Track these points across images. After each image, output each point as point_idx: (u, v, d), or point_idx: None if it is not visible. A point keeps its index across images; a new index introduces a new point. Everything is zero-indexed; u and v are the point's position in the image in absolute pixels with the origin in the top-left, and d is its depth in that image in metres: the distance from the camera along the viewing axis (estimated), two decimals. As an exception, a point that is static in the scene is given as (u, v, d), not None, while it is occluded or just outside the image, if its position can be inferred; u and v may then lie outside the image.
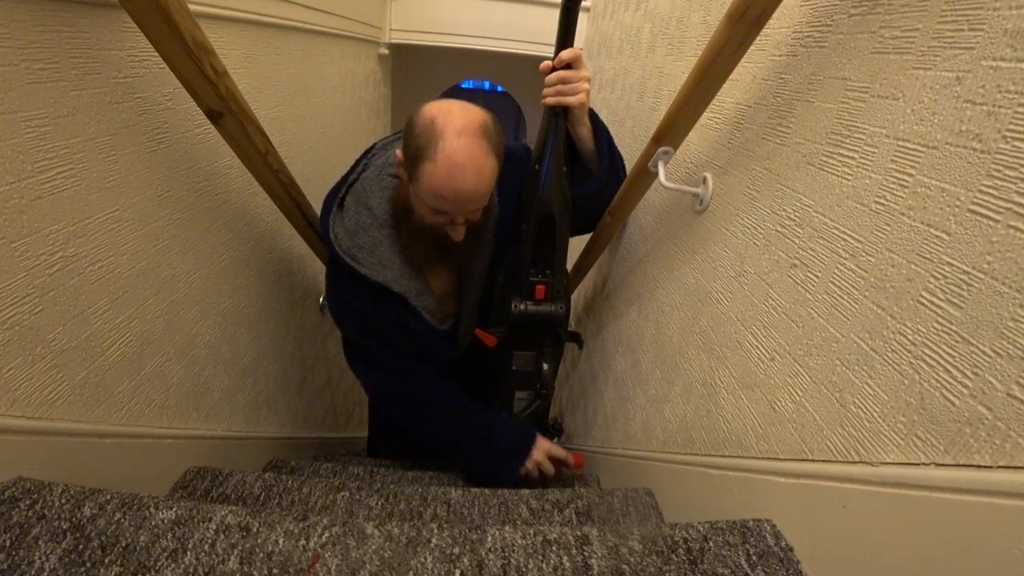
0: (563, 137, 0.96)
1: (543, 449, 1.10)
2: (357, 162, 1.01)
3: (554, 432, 1.47)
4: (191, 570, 0.52)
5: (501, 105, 5.39)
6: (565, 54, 0.89)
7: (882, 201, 0.49)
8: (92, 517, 0.55)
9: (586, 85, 0.91)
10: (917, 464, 0.43)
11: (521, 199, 1.01)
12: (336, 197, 0.98)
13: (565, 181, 0.97)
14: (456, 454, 1.11)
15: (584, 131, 1.00)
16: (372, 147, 1.02)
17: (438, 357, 1.12)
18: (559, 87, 0.91)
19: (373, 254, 0.94)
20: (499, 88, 4.55)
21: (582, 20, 2.02)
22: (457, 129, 0.78)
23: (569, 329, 1.22)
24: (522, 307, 1.05)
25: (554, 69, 0.91)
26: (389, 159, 0.97)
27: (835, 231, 0.55)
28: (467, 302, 1.08)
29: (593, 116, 1.02)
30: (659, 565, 0.55)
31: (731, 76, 0.71)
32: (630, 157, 1.05)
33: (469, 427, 1.10)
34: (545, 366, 1.14)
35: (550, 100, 0.93)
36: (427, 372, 1.11)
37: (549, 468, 1.09)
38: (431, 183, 0.80)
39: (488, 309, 1.13)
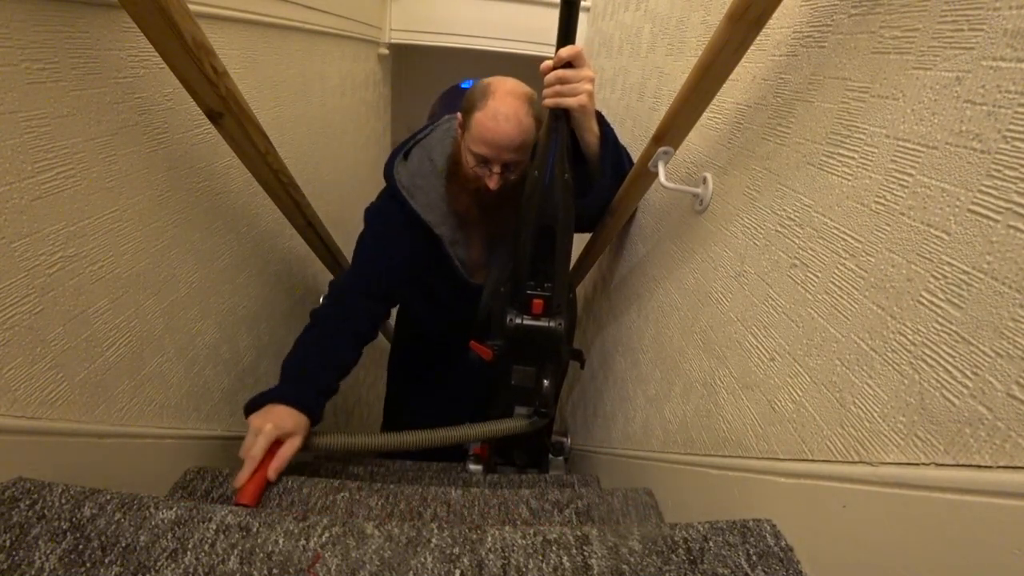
0: (565, 141, 0.91)
1: (262, 420, 0.86)
2: (426, 126, 1.16)
3: (555, 452, 1.41)
4: (191, 570, 0.52)
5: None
6: (564, 52, 0.85)
7: (882, 201, 0.49)
8: (92, 517, 0.55)
9: (587, 86, 0.87)
10: (917, 464, 0.43)
11: (520, 206, 0.97)
12: (403, 149, 1.13)
13: (568, 189, 0.91)
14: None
15: (590, 137, 0.96)
16: (443, 118, 1.17)
17: (455, 313, 1.19)
18: (557, 87, 0.87)
19: (427, 196, 1.08)
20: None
21: (582, 20, 2.03)
22: (506, 90, 0.96)
23: (571, 347, 1.17)
24: (518, 321, 0.99)
25: (555, 68, 0.87)
26: (453, 125, 1.10)
27: (835, 231, 0.55)
28: (494, 274, 1.16)
29: (602, 122, 0.98)
30: (659, 565, 0.55)
31: (731, 76, 0.71)
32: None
33: (301, 356, 1.02)
34: (545, 383, 1.07)
35: (549, 102, 0.90)
36: (371, 316, 1.12)
37: (248, 444, 0.84)
38: (478, 129, 0.96)
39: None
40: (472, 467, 1.32)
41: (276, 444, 0.85)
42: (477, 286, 1.19)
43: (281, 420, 0.87)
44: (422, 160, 1.10)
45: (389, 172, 1.11)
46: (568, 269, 1.02)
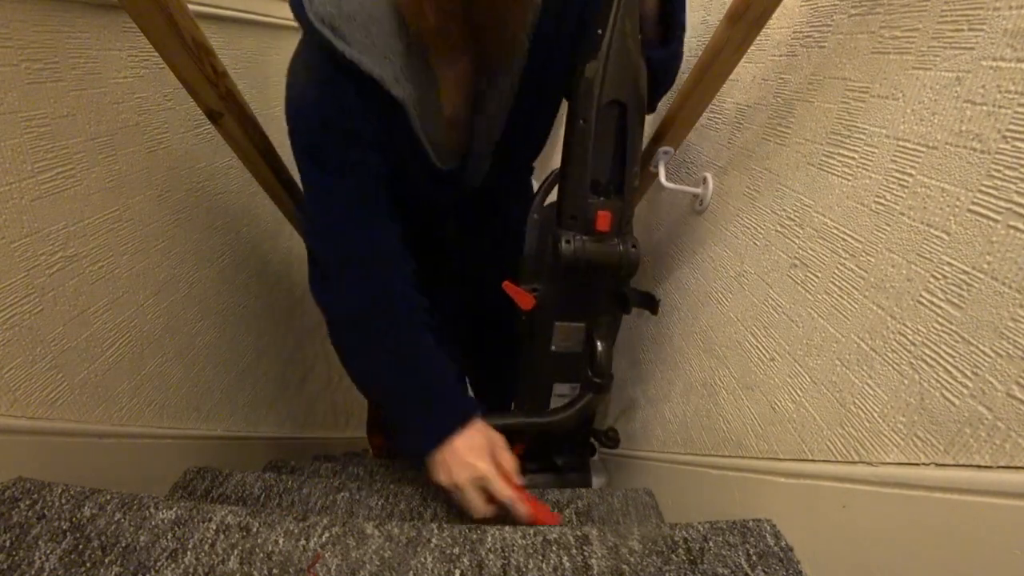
0: None
1: (470, 470, 0.65)
2: None
3: (608, 443, 1.01)
4: (191, 570, 0.52)
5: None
6: None
7: (882, 201, 0.49)
8: (92, 517, 0.55)
9: None
10: (917, 464, 0.43)
11: (573, 76, 0.69)
12: None
13: (639, 50, 0.66)
14: (377, 382, 0.74)
15: None
16: None
17: (430, 204, 0.79)
18: None
19: (367, 30, 0.61)
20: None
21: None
22: None
23: (639, 290, 0.83)
24: (578, 244, 0.70)
25: None
26: None
27: (835, 231, 0.55)
28: (483, 128, 0.74)
29: None
30: (659, 565, 0.55)
31: (731, 76, 0.71)
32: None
33: (408, 360, 0.72)
34: (599, 344, 0.79)
35: None
36: (397, 248, 0.73)
37: (478, 505, 0.66)
38: None
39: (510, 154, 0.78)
40: None
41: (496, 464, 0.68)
42: (449, 171, 0.76)
43: (474, 454, 0.66)
44: None
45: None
46: (639, 168, 0.75)
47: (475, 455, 0.66)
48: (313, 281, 0.75)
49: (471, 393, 1.10)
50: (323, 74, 0.65)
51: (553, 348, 0.82)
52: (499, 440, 0.70)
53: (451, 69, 0.68)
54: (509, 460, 0.69)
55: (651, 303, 0.83)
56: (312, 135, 0.69)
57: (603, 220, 0.71)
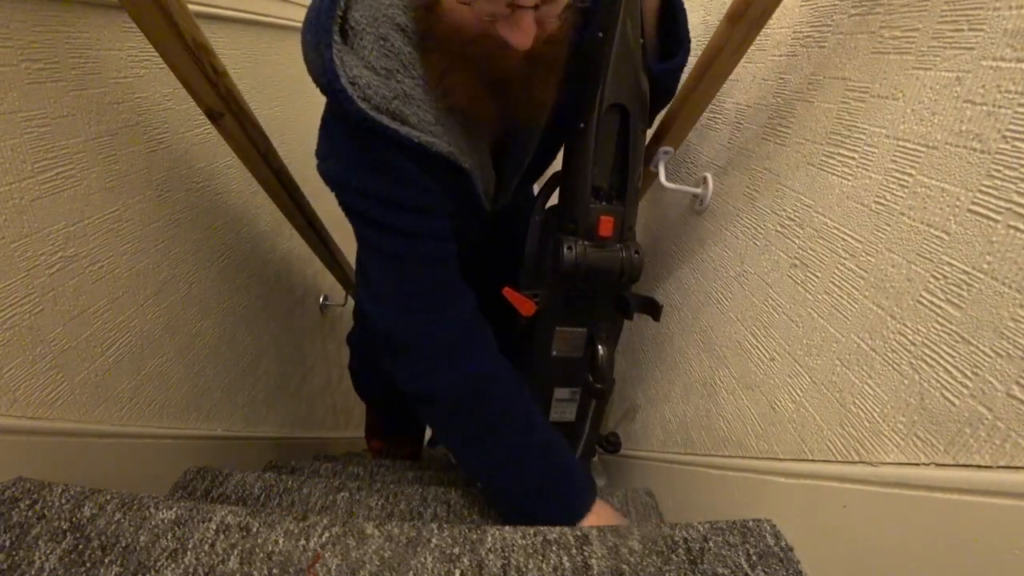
0: None
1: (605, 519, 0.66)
2: None
3: (608, 448, 1.04)
4: (191, 570, 0.52)
5: None
6: None
7: (882, 201, 0.49)
8: (92, 517, 0.55)
9: None
10: (917, 464, 0.43)
11: (576, 81, 0.66)
12: (331, 17, 0.53)
13: (640, 56, 0.65)
14: (485, 463, 0.70)
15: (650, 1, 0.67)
16: None
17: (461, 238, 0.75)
18: None
19: (426, 107, 0.58)
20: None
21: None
22: None
23: (640, 295, 0.82)
24: (579, 250, 0.69)
25: None
26: None
27: (835, 231, 0.55)
28: (512, 167, 0.73)
29: None
30: (659, 565, 0.55)
31: (731, 76, 0.71)
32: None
33: (522, 430, 0.68)
34: (601, 349, 0.78)
35: None
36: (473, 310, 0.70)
37: None
38: None
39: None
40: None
41: None
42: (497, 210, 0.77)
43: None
44: (385, 33, 0.54)
45: (330, 72, 0.53)
46: (641, 172, 0.75)
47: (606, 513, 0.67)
48: (390, 359, 0.69)
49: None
50: (381, 159, 0.60)
51: (554, 353, 0.81)
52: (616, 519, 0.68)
53: (477, 124, 0.65)
54: None
55: (653, 308, 0.81)
56: (374, 210, 0.64)
57: (605, 226, 0.70)
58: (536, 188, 0.89)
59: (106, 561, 0.51)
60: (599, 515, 0.67)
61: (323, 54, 0.53)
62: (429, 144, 0.58)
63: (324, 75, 0.54)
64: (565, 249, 0.69)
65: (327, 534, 0.57)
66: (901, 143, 0.48)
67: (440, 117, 0.59)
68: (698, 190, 0.87)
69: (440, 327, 0.67)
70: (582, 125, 0.67)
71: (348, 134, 0.60)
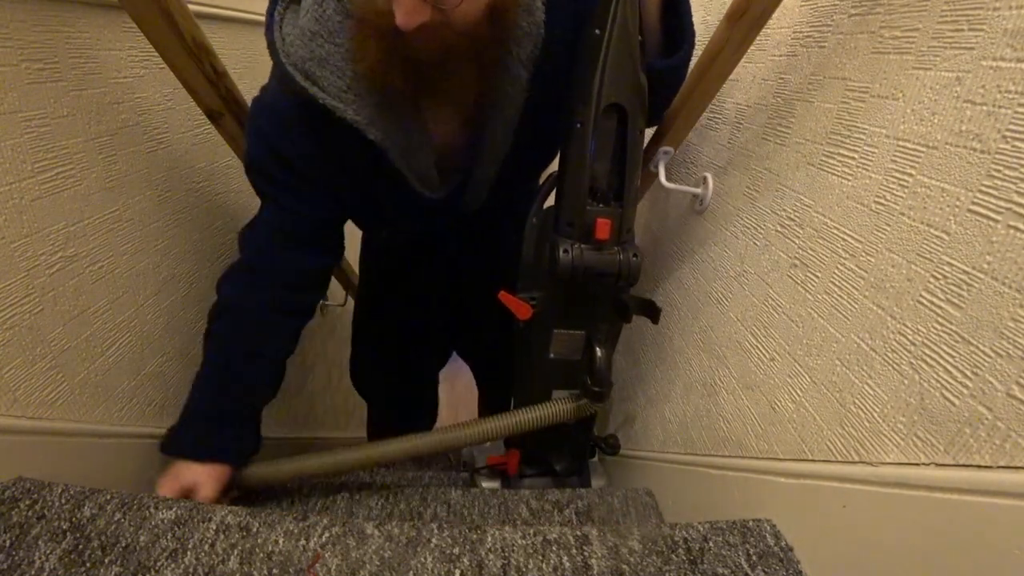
0: None
1: (178, 493, 0.69)
2: None
3: (608, 450, 1.01)
4: (191, 570, 0.52)
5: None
6: None
7: (882, 201, 0.49)
8: (92, 517, 0.55)
9: None
10: (917, 464, 0.43)
11: (573, 80, 0.67)
12: None
13: (638, 55, 0.64)
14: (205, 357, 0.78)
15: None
16: None
17: (428, 227, 0.80)
18: None
19: (341, 72, 0.61)
20: None
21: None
22: None
23: (639, 297, 0.80)
24: (575, 253, 0.69)
25: None
26: None
27: (835, 231, 0.55)
28: (485, 157, 0.74)
29: None
30: (659, 565, 0.55)
31: (731, 76, 0.71)
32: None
33: (220, 372, 0.76)
34: (599, 351, 0.78)
35: None
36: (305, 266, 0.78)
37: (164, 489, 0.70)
38: None
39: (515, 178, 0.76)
40: (485, 484, 0.99)
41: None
42: (438, 199, 0.76)
43: (194, 476, 0.71)
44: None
45: (267, 26, 0.63)
46: (640, 173, 0.74)
47: (192, 487, 0.70)
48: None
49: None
50: (288, 110, 0.66)
51: (551, 355, 0.81)
52: (211, 492, 0.72)
53: (437, 117, 0.69)
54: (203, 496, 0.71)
55: (652, 311, 0.80)
56: (268, 169, 0.71)
57: (602, 228, 0.69)
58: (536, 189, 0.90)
59: (106, 561, 0.51)
60: (193, 470, 0.71)
61: (269, 10, 0.63)
62: (334, 108, 0.61)
63: (268, 29, 0.63)
64: (561, 252, 0.69)
65: (327, 534, 0.57)
66: (901, 143, 0.48)
67: (353, 85, 0.61)
68: (698, 190, 0.87)
69: (275, 260, 0.76)
70: (579, 125, 0.67)
71: (274, 82, 0.68)
